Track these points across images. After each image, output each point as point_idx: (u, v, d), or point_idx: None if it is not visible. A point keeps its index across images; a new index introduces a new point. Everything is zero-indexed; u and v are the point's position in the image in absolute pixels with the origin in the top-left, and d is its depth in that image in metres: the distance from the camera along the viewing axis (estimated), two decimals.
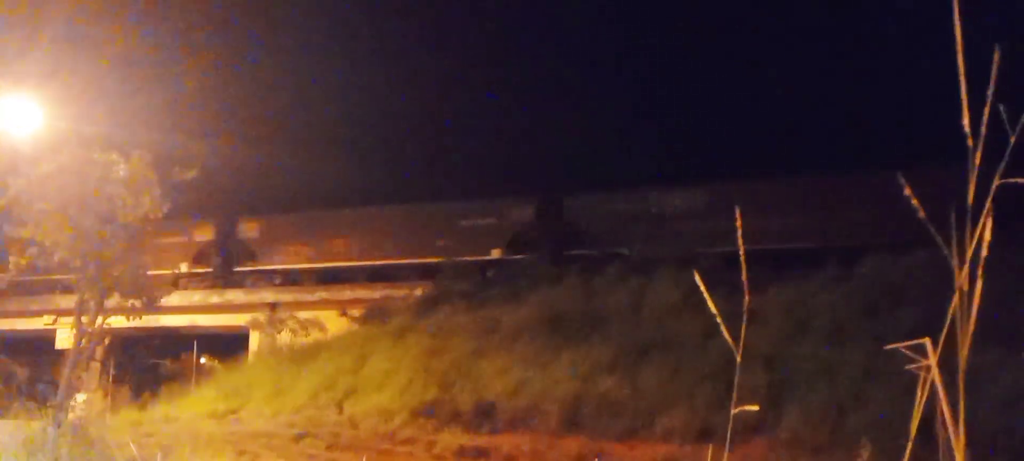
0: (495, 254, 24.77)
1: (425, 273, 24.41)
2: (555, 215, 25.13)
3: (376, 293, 24.75)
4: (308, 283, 27.17)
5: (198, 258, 28.70)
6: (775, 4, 41.68)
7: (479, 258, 24.45)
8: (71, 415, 13.86)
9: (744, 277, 2.39)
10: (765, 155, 36.31)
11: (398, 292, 23.91)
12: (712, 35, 42.55)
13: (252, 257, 28.17)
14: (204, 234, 28.75)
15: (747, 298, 2.35)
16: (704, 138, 41.17)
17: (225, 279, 28.18)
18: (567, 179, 31.58)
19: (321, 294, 26.14)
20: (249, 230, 28.54)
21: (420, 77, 47.17)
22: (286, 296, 26.41)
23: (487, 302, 19.97)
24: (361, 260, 26.76)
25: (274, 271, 27.81)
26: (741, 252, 2.40)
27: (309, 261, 27.59)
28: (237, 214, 28.77)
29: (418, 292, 22.97)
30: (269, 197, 31.15)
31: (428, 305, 21.39)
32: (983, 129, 1.83)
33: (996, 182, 1.89)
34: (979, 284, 1.85)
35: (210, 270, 28.62)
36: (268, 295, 26.65)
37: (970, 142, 1.85)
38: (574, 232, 24.40)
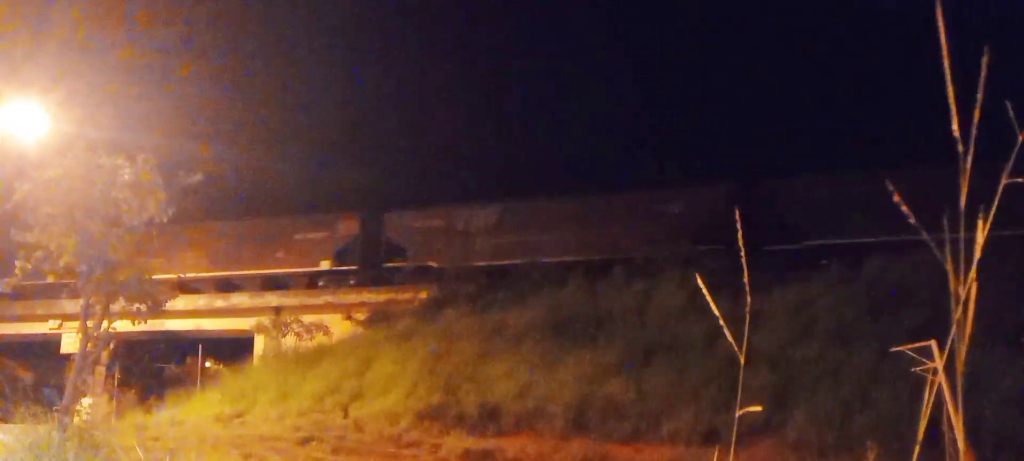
0: (324, 265, 26.63)
1: (265, 283, 27.17)
2: (376, 230, 26.61)
3: (382, 297, 24.94)
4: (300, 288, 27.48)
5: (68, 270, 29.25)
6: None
7: (310, 270, 26.78)
8: (77, 419, 13.87)
9: (746, 279, 2.39)
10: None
11: (403, 295, 24.13)
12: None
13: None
14: None
15: (749, 301, 2.35)
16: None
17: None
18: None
19: (326, 298, 26.25)
20: None
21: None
22: (291, 300, 26.48)
23: (492, 305, 19.99)
24: (211, 271, 27.80)
25: None
26: (742, 257, 2.40)
27: (161, 273, 28.20)
28: None
29: (423, 295, 23.12)
30: None
31: (433, 308, 21.42)
32: (973, 132, 1.81)
33: (1003, 181, 1.86)
34: (974, 288, 1.83)
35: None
36: (273, 299, 26.74)
37: (961, 147, 1.83)
38: (392, 246, 26.13)
